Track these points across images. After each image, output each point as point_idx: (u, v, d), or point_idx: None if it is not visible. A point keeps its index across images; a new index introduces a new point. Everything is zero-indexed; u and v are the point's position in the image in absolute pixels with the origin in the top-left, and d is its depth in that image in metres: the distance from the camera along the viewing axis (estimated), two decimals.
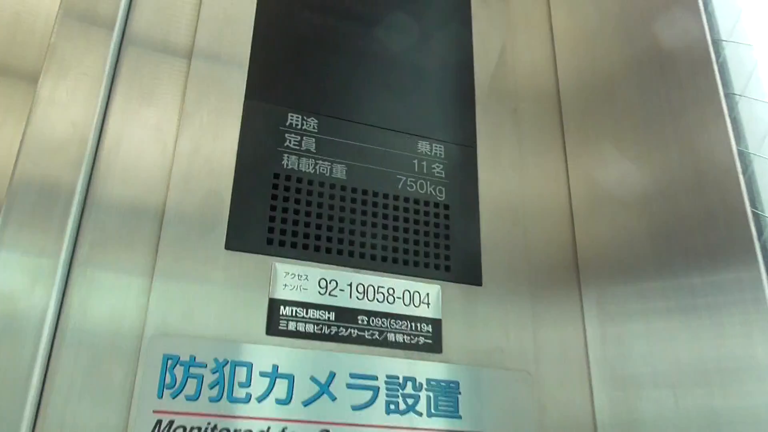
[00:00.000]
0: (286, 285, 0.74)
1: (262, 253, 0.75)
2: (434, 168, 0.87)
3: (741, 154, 0.69)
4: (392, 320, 0.77)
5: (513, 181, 0.92)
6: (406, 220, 0.83)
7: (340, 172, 0.82)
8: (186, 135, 0.77)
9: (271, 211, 0.77)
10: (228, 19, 0.85)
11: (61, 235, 0.69)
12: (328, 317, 0.74)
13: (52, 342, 0.66)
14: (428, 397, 0.74)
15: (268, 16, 0.88)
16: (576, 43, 1.02)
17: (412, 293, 0.79)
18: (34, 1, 0.90)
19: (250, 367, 0.69)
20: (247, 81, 0.83)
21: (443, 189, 0.86)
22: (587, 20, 1.00)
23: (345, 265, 0.78)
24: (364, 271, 0.78)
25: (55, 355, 0.65)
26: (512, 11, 1.06)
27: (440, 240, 0.83)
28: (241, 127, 0.80)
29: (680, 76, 0.79)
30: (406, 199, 0.84)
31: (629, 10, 0.92)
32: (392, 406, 0.72)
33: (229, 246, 0.74)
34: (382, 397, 0.72)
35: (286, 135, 0.81)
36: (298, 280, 0.75)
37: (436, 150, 0.89)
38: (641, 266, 0.79)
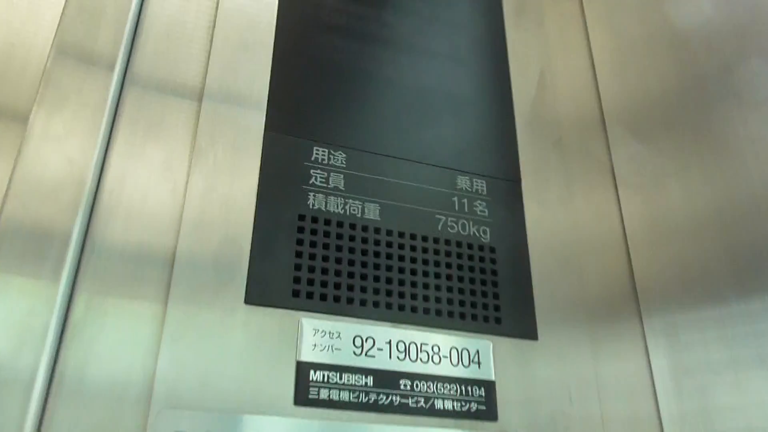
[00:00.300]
0: (315, 345, 0.63)
1: (288, 308, 0.65)
2: (476, 206, 0.78)
3: None
4: (439, 384, 0.66)
5: (563, 217, 0.82)
6: (448, 265, 0.73)
7: (372, 212, 0.72)
8: (198, 173, 0.67)
9: (296, 259, 0.67)
10: (243, 50, 0.76)
11: (55, 287, 0.59)
12: (366, 382, 0.63)
13: (41, 417, 0.55)
14: None
15: (288, 42, 0.79)
16: (617, 63, 0.93)
17: (460, 351, 0.68)
18: (29, 32, 0.82)
19: None
20: (267, 112, 0.74)
21: (488, 229, 0.76)
22: (628, 38, 0.92)
23: (383, 320, 0.67)
24: (405, 326, 0.68)
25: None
26: (548, 33, 0.98)
27: (488, 288, 0.73)
28: (261, 163, 0.70)
29: (740, 93, 0.71)
30: (448, 242, 0.74)
31: (676, 24, 0.84)
32: None
33: (249, 300, 0.63)
34: None
35: (312, 171, 0.72)
36: (329, 338, 0.64)
37: (477, 186, 0.79)
38: (706, 292, 0.72)
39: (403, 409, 0.63)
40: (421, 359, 0.66)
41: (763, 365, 0.65)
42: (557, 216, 0.82)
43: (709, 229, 0.74)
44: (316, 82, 0.77)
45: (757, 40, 0.76)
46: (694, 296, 0.74)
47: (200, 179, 0.67)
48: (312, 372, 0.62)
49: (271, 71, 0.76)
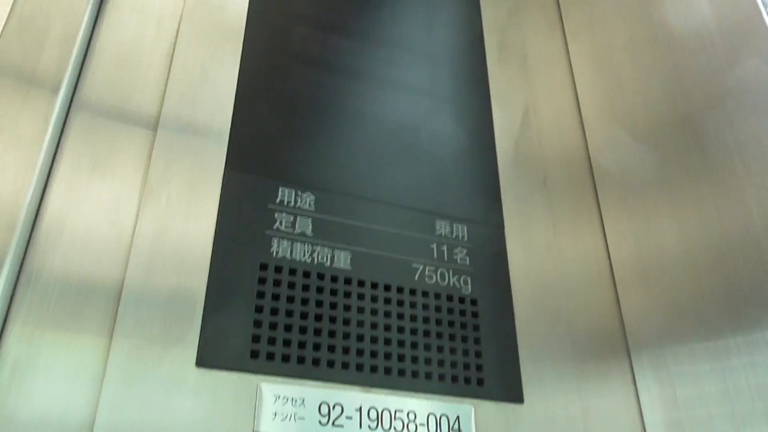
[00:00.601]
0: (276, 413, 0.56)
1: (245, 371, 0.57)
2: (456, 253, 0.71)
3: None
4: None
5: (549, 262, 0.76)
6: (426, 320, 0.66)
7: (343, 260, 0.65)
8: (149, 215, 0.60)
9: (256, 314, 0.59)
10: (204, 79, 0.70)
11: None
12: None
13: None
14: None
15: (254, 72, 0.73)
16: (604, 100, 0.89)
17: (438, 418, 0.61)
18: None
19: None
20: (228, 148, 0.67)
21: (469, 279, 0.70)
22: (615, 74, 0.88)
23: (352, 383, 0.60)
24: (377, 389, 0.61)
25: None
26: (532, 70, 0.93)
27: (469, 345, 0.66)
28: (220, 204, 0.63)
29: (733, 128, 0.69)
30: (425, 294, 0.67)
31: (665, 60, 0.80)
32: None
33: (201, 362, 0.56)
34: None
35: (277, 214, 0.65)
36: (292, 405, 0.56)
37: (457, 231, 0.73)
38: (699, 325, 0.68)
39: None
40: (395, 428, 0.59)
41: (760, 397, 0.61)
42: (543, 261, 0.77)
43: (702, 263, 0.69)
44: (283, 116, 0.71)
45: (748, 76, 0.72)
46: (686, 330, 0.69)
47: (150, 222, 0.60)
48: None
49: (234, 103, 0.70)
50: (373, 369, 0.61)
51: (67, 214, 0.59)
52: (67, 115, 0.64)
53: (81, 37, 0.67)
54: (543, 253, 0.77)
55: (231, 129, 0.68)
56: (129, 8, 0.73)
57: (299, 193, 0.67)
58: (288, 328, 0.60)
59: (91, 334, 0.55)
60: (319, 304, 0.62)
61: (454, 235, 0.72)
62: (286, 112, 0.71)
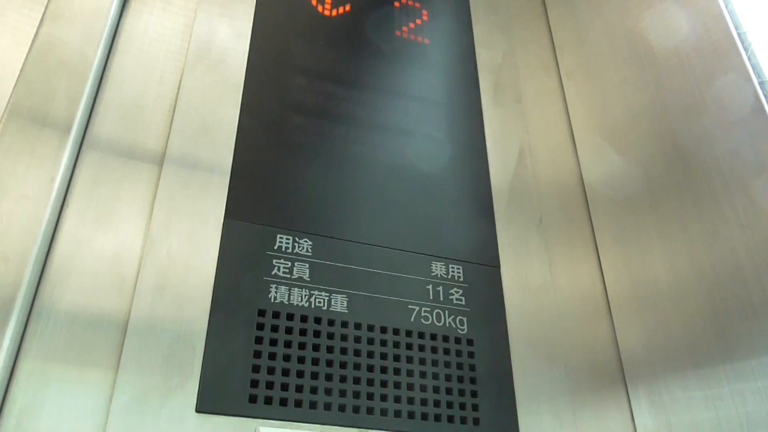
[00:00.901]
0: None
1: (244, 415, 0.59)
2: (452, 294, 0.73)
3: None
4: None
5: (545, 301, 0.78)
6: (422, 361, 0.67)
7: (340, 304, 0.67)
8: (150, 267, 0.63)
9: (255, 359, 0.61)
10: (205, 132, 0.73)
11: None
12: None
13: None
14: None
15: (253, 122, 0.76)
16: (598, 139, 0.91)
17: None
18: None
19: None
20: (228, 196, 0.69)
21: (465, 319, 0.71)
22: (609, 112, 0.90)
23: (349, 426, 0.61)
24: (374, 431, 0.62)
25: None
26: (527, 110, 0.95)
27: (465, 385, 0.67)
28: (220, 254, 0.66)
29: (721, 162, 0.71)
30: (421, 335, 0.69)
31: (657, 98, 0.81)
32: None
33: (201, 408, 0.58)
34: None
35: (275, 261, 0.67)
36: None
37: (453, 272, 0.74)
38: (690, 354, 0.69)
39: None
40: None
41: (748, 424, 0.62)
42: (539, 299, 0.78)
43: (692, 295, 0.71)
44: (281, 165, 0.74)
45: (739, 113, 0.73)
46: (679, 359, 0.70)
47: (151, 273, 0.62)
48: None
49: (234, 154, 0.72)
50: (370, 411, 0.62)
51: (70, 272, 0.61)
52: (75, 165, 0.67)
53: (87, 92, 0.70)
54: (539, 291, 0.78)
55: (230, 179, 0.70)
56: (133, 64, 0.76)
57: (297, 239, 0.69)
58: (286, 372, 0.62)
59: (93, 384, 0.57)
60: (316, 348, 0.64)
61: (449, 276, 0.74)
62: (284, 160, 0.74)
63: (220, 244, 0.66)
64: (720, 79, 0.76)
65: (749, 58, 0.71)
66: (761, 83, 0.71)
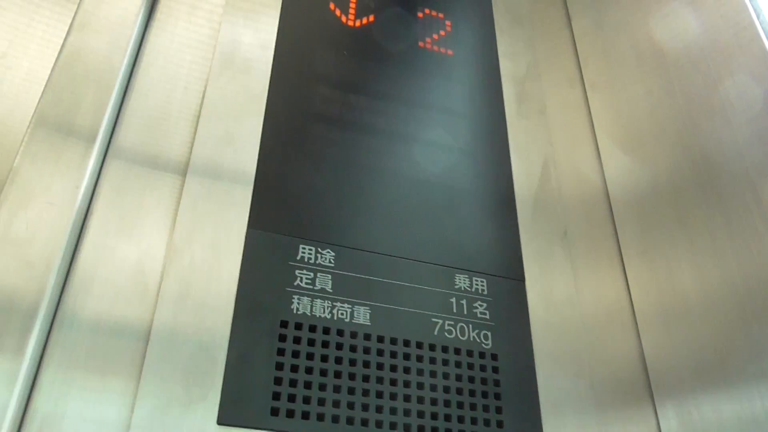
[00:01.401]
0: None
1: (266, 428, 0.58)
2: (476, 307, 0.72)
3: None
4: None
5: (570, 315, 0.76)
6: (445, 376, 0.66)
7: (362, 316, 0.66)
8: (173, 276, 0.62)
9: (277, 371, 0.61)
10: (228, 142, 0.72)
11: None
12: None
13: None
14: None
15: (276, 132, 0.75)
16: (623, 149, 0.89)
17: None
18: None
19: None
20: (251, 206, 0.69)
21: (489, 334, 0.70)
22: (635, 123, 0.89)
23: None
24: None
25: None
26: (551, 122, 0.94)
27: (489, 400, 0.66)
28: (242, 263, 0.65)
29: (751, 170, 0.70)
30: (445, 349, 0.68)
31: (684, 108, 0.80)
32: None
33: (222, 420, 0.57)
34: None
35: (297, 272, 0.67)
36: None
37: (477, 285, 0.73)
38: (716, 374, 0.68)
39: None
40: None
41: None
42: (564, 313, 0.76)
43: (722, 307, 0.69)
44: (304, 175, 0.73)
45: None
46: (709, 377, 0.68)
47: (174, 283, 0.62)
48: None
49: (257, 164, 0.72)
50: (393, 426, 0.61)
51: (93, 281, 0.61)
52: (99, 173, 0.67)
53: (113, 101, 0.70)
54: (564, 305, 0.77)
55: (254, 189, 0.70)
56: (158, 73, 0.77)
57: (319, 249, 0.69)
58: (308, 385, 0.61)
59: (114, 394, 0.56)
60: (338, 360, 0.63)
61: (473, 289, 0.73)
62: (307, 170, 0.74)
63: (243, 253, 0.66)
64: (749, 90, 0.74)
65: None
66: None
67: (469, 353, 0.68)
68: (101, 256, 0.63)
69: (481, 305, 0.72)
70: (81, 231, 0.63)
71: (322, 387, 0.61)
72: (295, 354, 0.62)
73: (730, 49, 0.78)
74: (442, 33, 0.93)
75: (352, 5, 0.89)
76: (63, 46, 0.72)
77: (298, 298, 0.65)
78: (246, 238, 0.67)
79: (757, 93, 0.73)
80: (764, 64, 0.73)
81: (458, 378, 0.66)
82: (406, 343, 0.66)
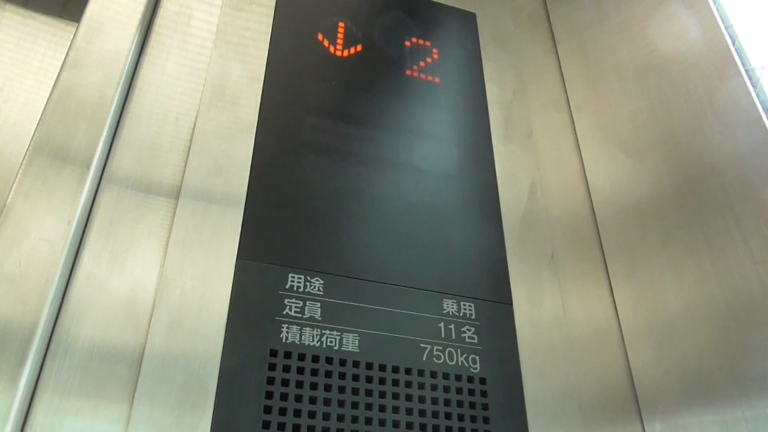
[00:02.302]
0: None
1: None
2: (464, 332, 0.73)
3: None
4: None
5: (558, 337, 0.77)
6: (434, 401, 0.67)
7: (351, 343, 0.67)
8: (164, 307, 0.63)
9: (266, 400, 0.61)
10: (218, 173, 0.74)
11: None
12: None
13: None
14: None
15: (266, 161, 0.77)
16: (610, 172, 0.91)
17: None
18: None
19: None
20: (241, 237, 0.70)
21: (477, 358, 0.71)
22: (621, 146, 0.90)
23: None
24: None
25: None
26: (537, 145, 0.96)
27: (478, 425, 0.67)
28: (232, 293, 0.66)
29: (732, 190, 0.72)
30: (434, 374, 0.69)
31: (668, 129, 0.82)
32: None
33: None
34: None
35: (286, 300, 0.68)
36: None
37: (465, 309, 0.74)
38: (707, 394, 0.69)
39: None
40: None
41: None
42: (552, 336, 0.77)
43: (705, 326, 0.71)
44: (293, 204, 0.75)
45: (750, 149, 0.73)
46: (696, 400, 0.70)
47: (165, 314, 0.63)
48: None
49: (246, 194, 0.73)
50: None
51: (85, 314, 0.62)
52: (92, 206, 0.68)
53: (105, 134, 0.72)
54: (552, 327, 0.78)
55: (243, 218, 0.71)
56: (150, 105, 0.78)
57: (308, 278, 0.70)
58: (297, 413, 0.62)
59: (108, 421, 0.57)
60: (327, 388, 0.64)
61: (461, 314, 0.74)
62: (296, 199, 0.75)
63: (233, 283, 0.67)
64: (731, 113, 0.76)
65: (758, 95, 0.71)
66: None
67: (458, 378, 0.69)
68: (94, 287, 0.64)
69: (469, 329, 0.73)
70: (73, 264, 0.64)
71: (312, 415, 0.62)
72: (285, 382, 0.63)
73: (709, 74, 0.80)
74: (429, 60, 0.95)
75: (340, 36, 0.91)
76: (56, 81, 0.74)
77: (288, 327, 0.66)
78: (236, 268, 0.68)
79: (742, 118, 0.74)
80: (741, 88, 0.75)
81: (447, 403, 0.67)
82: (395, 369, 0.67)
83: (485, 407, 0.68)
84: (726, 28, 0.79)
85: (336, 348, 0.66)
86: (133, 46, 0.79)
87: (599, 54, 1.00)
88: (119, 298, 0.64)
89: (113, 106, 0.75)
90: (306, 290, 0.69)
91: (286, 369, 0.64)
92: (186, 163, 0.74)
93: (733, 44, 0.76)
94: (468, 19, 1.03)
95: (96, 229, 0.67)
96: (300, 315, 0.67)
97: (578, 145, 0.98)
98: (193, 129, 0.77)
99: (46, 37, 0.92)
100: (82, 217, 0.66)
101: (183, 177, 0.73)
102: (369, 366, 0.67)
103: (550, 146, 0.97)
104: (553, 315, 0.79)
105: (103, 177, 0.71)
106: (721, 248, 0.70)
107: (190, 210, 0.70)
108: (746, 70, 0.75)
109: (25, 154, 0.68)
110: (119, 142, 0.74)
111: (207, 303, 0.65)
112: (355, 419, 0.63)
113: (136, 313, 0.63)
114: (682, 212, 0.77)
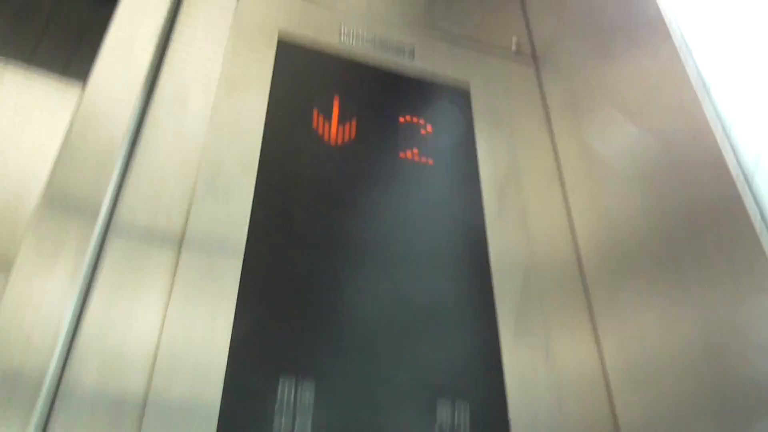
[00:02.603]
0: None
1: None
2: None
3: None
4: None
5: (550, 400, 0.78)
6: None
7: None
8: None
9: None
10: (209, 272, 0.74)
11: None
12: None
13: None
14: None
15: (258, 257, 0.76)
16: (601, 245, 0.92)
17: None
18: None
19: None
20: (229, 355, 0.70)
21: None
22: (611, 224, 0.91)
23: None
24: None
25: None
26: (530, 224, 0.96)
27: None
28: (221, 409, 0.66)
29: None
30: None
31: (657, 210, 0.82)
32: None
33: None
34: None
35: (276, 417, 0.67)
36: None
37: (459, 409, 0.74)
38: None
39: None
40: None
41: None
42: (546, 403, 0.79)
43: (687, 371, 0.73)
44: (283, 306, 0.74)
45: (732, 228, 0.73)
46: None
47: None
48: None
49: (237, 293, 0.73)
50: None
51: (95, 351, 0.65)
52: (96, 262, 0.69)
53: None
54: (542, 391, 0.80)
55: (232, 332, 0.70)
56: (143, 198, 0.78)
57: (300, 387, 0.69)
58: None
59: None
60: None
61: (455, 414, 0.73)
62: (288, 305, 0.75)
63: (222, 395, 0.66)
64: (714, 195, 0.76)
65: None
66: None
67: None
68: (100, 334, 0.66)
69: None
70: (80, 314, 0.66)
71: None
72: None
73: (698, 156, 0.80)
74: (423, 140, 0.95)
75: (335, 120, 0.90)
76: (65, 138, 0.75)
77: None
78: (225, 380, 0.67)
79: (724, 200, 0.74)
80: (722, 172, 0.74)
81: None
82: None
83: None
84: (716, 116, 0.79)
85: None
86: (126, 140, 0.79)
87: (593, 132, 1.00)
88: (121, 351, 0.66)
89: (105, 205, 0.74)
90: (297, 398, 0.68)
91: None
92: (177, 263, 0.74)
93: (725, 131, 0.76)
94: (462, 95, 1.03)
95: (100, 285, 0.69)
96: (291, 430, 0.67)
97: (572, 223, 0.98)
98: (186, 221, 0.77)
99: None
100: (89, 270, 0.69)
101: (174, 277, 0.73)
102: None
103: (543, 225, 0.97)
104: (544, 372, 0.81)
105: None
106: (699, 295, 0.72)
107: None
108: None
109: (35, 212, 0.70)
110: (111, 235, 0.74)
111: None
112: None
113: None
114: (663, 268, 0.79)
